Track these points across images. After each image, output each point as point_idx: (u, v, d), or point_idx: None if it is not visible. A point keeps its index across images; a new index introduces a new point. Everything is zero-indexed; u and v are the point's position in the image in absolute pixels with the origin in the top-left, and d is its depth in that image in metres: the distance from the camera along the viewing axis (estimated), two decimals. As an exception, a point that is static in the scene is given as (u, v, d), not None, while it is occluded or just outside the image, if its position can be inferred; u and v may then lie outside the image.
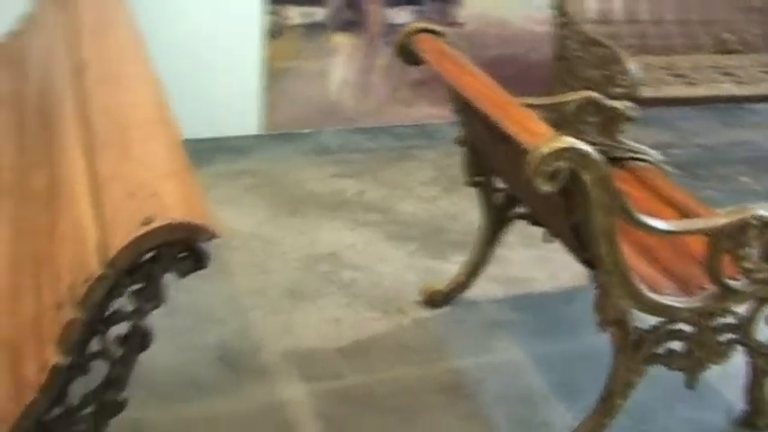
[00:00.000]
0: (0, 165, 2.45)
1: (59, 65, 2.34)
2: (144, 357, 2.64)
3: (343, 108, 4.12)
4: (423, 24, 2.51)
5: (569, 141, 1.88)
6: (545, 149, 1.86)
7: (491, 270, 3.02)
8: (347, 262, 3.20)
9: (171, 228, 1.43)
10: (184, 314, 2.85)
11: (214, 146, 3.90)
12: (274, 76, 3.97)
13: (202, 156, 3.77)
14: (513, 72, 3.98)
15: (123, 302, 1.57)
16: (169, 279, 1.55)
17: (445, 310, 2.95)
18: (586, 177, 1.93)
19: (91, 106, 1.95)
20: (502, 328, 2.89)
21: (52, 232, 1.84)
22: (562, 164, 1.88)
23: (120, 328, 1.61)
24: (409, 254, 3.26)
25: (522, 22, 4.23)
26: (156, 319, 2.78)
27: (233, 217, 3.44)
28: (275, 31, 3.90)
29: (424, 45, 2.41)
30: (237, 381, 2.62)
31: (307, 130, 4.11)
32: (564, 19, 3.90)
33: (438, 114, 2.73)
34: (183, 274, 1.52)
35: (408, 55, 2.46)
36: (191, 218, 1.45)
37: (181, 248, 1.49)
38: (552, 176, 1.88)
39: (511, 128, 1.97)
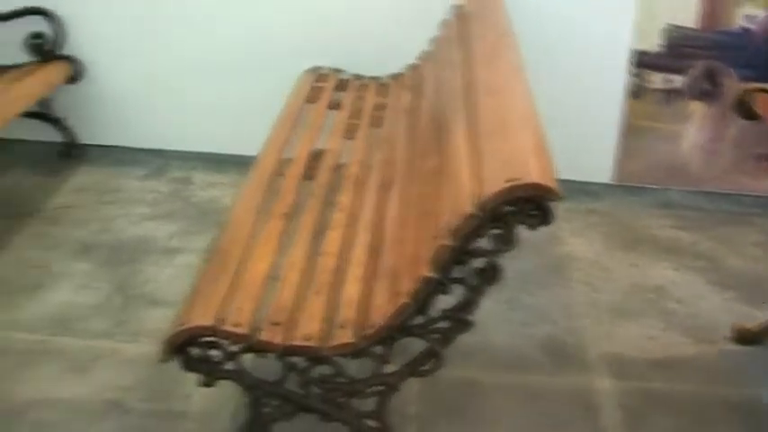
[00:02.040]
0: (396, 157, 3.11)
1: (453, 84, 2.92)
2: (486, 335, 3.21)
3: (690, 170, 4.41)
4: (761, 86, 2.90)
5: None
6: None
7: (804, 323, 3.32)
8: (670, 295, 3.57)
9: (528, 186, 1.89)
10: (526, 311, 3.40)
11: (573, 187, 4.36)
12: (631, 133, 4.33)
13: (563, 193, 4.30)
14: None
15: (484, 244, 2.06)
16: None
17: (751, 347, 3.24)
18: None
19: (478, 109, 2.48)
20: (802, 370, 3.15)
21: (435, 198, 2.38)
22: None
23: (478, 264, 2.11)
24: (727, 299, 3.57)
25: None
26: (502, 311, 3.35)
27: (578, 245, 3.92)
28: (636, 93, 4.25)
29: (759, 101, 2.79)
30: (556, 366, 3.09)
31: (654, 186, 4.46)
32: None
33: (780, 188, 3.03)
34: (533, 227, 1.97)
35: (744, 109, 2.85)
36: (544, 181, 1.93)
37: (533, 207, 1.96)
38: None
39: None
